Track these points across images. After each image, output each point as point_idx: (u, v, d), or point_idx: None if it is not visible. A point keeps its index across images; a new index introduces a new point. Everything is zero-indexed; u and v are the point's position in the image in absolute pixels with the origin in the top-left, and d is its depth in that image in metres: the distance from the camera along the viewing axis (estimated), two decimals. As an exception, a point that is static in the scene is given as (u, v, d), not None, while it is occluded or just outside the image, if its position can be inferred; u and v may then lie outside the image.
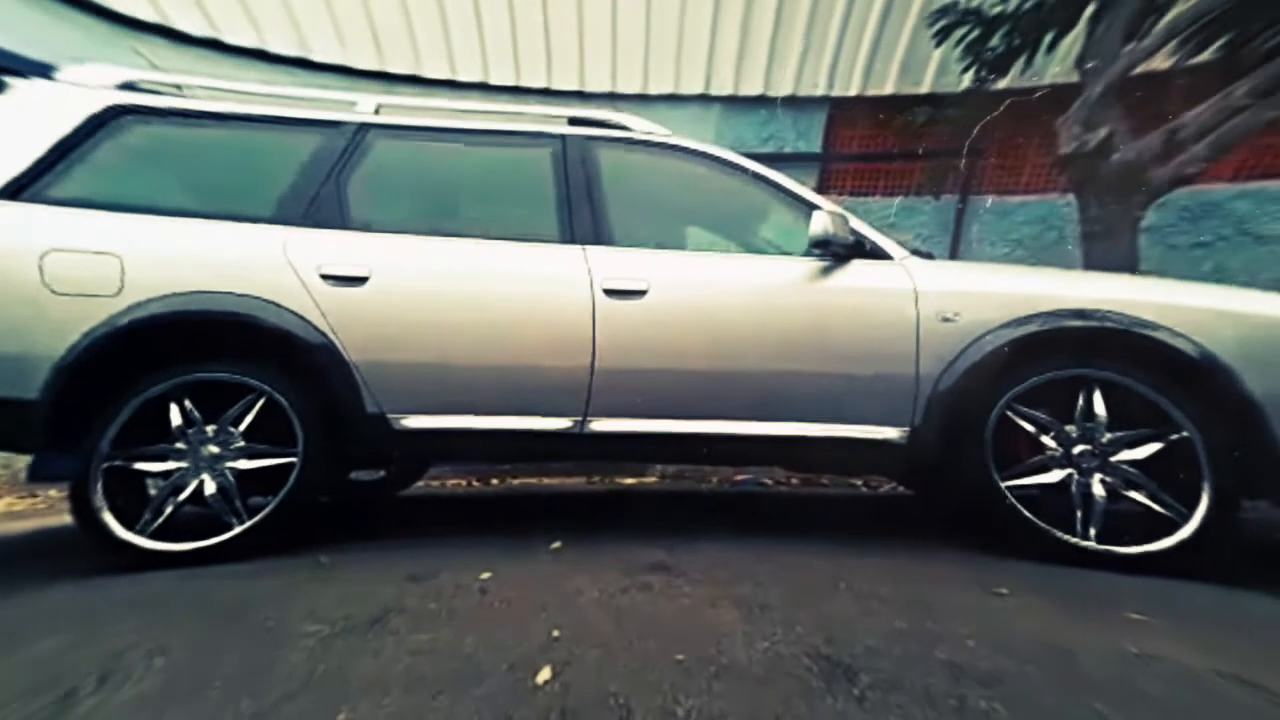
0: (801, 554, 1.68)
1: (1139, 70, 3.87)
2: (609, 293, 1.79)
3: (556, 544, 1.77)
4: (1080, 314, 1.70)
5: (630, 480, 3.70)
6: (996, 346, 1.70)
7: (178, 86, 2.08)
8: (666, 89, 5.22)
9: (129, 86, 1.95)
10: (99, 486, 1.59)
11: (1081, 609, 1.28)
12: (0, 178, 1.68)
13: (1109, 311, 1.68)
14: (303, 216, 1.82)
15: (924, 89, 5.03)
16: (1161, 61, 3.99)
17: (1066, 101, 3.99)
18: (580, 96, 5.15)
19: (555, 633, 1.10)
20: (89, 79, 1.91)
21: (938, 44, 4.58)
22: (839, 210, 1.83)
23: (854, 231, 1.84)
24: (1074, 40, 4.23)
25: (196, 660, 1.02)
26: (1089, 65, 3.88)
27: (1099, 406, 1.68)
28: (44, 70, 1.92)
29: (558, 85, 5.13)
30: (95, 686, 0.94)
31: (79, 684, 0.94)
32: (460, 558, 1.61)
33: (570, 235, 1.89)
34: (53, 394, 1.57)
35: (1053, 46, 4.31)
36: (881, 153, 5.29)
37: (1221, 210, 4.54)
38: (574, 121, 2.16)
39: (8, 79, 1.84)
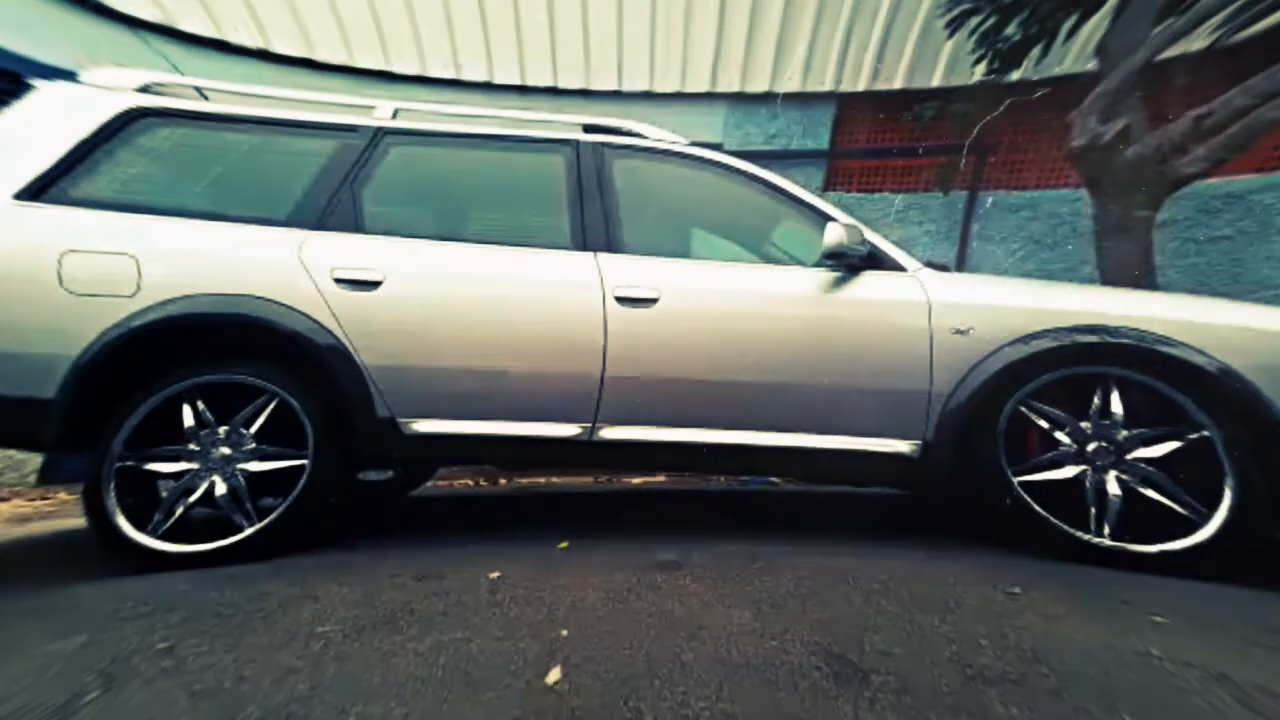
0: (811, 553, 1.67)
1: (1165, 56, 3.69)
2: (620, 300, 1.78)
3: (564, 544, 1.77)
4: (1095, 329, 1.68)
5: (637, 480, 3.69)
6: (1009, 362, 1.69)
7: (198, 89, 2.10)
8: (673, 87, 5.20)
9: (148, 89, 1.97)
10: (112, 487, 1.61)
11: (1096, 609, 1.26)
12: (23, 179, 1.70)
13: (1124, 328, 1.66)
14: (318, 220, 1.83)
15: (934, 83, 4.97)
16: (1196, 43, 3.77)
17: (1081, 93, 3.89)
18: (586, 95, 5.15)
19: (564, 632, 1.10)
20: (110, 82, 1.93)
21: (950, 34, 4.49)
22: (853, 222, 1.83)
23: (867, 243, 1.83)
24: (1096, 25, 4.08)
25: (205, 662, 1.03)
26: (1112, 52, 3.73)
27: (1115, 404, 1.65)
28: (69, 75, 1.95)
29: (563, 84, 5.13)
30: (101, 691, 0.93)
31: (85, 688, 0.94)
32: (468, 557, 1.62)
33: (582, 242, 1.88)
34: (69, 394, 1.59)
35: (1073, 33, 4.17)
36: (889, 148, 5.24)
37: (1243, 202, 4.42)
38: (589, 128, 2.16)
39: (34, 82, 1.87)
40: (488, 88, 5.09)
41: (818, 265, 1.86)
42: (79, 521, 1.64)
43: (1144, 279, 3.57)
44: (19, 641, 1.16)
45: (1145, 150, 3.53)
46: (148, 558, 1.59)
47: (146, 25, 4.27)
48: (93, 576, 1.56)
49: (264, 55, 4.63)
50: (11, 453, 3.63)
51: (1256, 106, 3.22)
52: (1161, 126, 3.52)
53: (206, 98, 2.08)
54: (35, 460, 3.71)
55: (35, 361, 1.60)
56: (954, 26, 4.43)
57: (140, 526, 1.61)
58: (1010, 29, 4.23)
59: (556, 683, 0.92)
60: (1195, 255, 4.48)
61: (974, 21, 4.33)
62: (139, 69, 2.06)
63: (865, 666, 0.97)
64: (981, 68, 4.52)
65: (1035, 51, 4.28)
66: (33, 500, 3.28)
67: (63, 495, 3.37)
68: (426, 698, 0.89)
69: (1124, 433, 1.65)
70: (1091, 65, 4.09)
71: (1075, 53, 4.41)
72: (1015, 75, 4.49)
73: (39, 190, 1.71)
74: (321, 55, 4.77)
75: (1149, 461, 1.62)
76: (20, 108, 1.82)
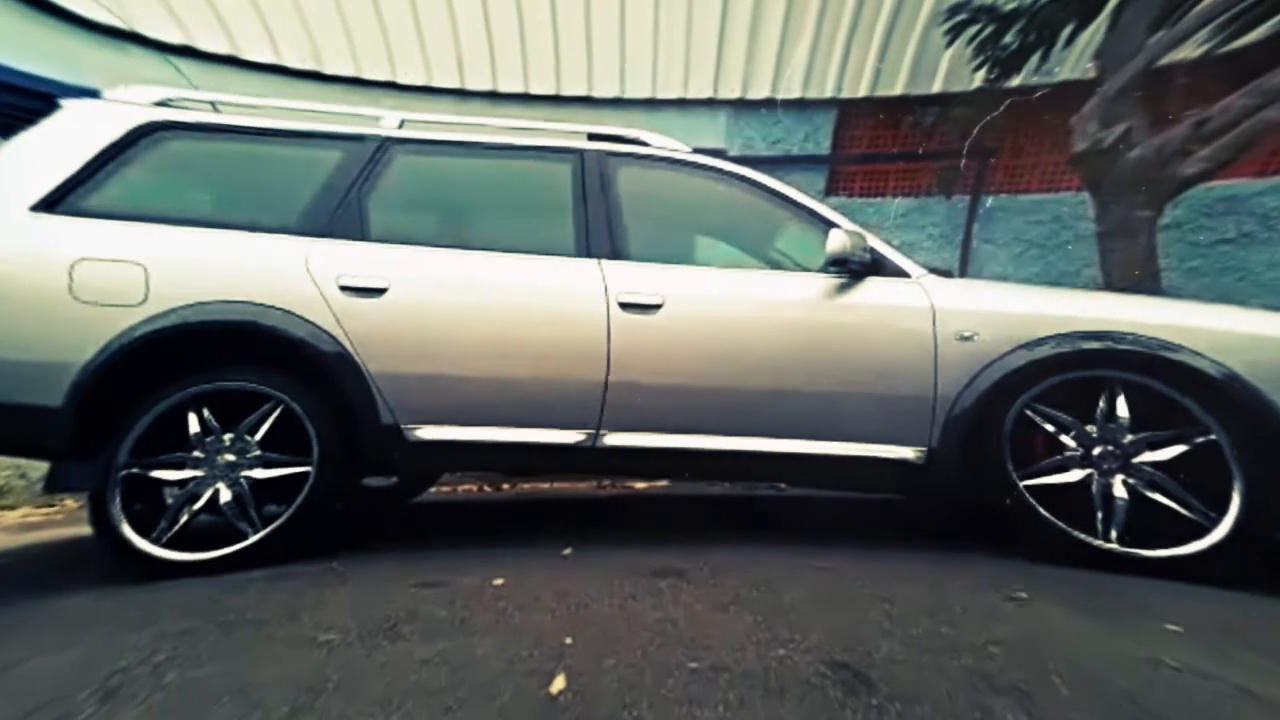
0: (814, 558, 1.65)
1: (1164, 61, 3.75)
2: (624, 306, 1.79)
3: (567, 550, 1.77)
4: (1099, 335, 1.67)
5: (640, 485, 3.68)
6: (1015, 368, 1.68)
7: (212, 104, 2.13)
8: (675, 93, 5.23)
9: (165, 104, 2.00)
10: (117, 495, 1.61)
11: (1106, 615, 1.24)
12: (39, 191, 1.73)
13: (1129, 333, 1.66)
14: (325, 228, 1.84)
15: (934, 89, 4.98)
16: (1192, 49, 3.86)
17: (1080, 98, 3.92)
18: (588, 103, 5.18)
19: (568, 640, 1.09)
20: (130, 98, 1.97)
21: (949, 43, 4.52)
22: (856, 228, 1.83)
23: (871, 249, 1.84)
24: (1094, 32, 4.12)
25: (208, 671, 1.02)
26: (1110, 57, 3.78)
27: (1121, 407, 1.64)
28: (95, 94, 2.02)
29: (566, 92, 5.16)
30: (98, 706, 0.91)
31: (81, 704, 0.91)
32: (472, 564, 1.61)
33: (586, 249, 1.89)
34: (76, 401, 1.60)
35: (1071, 40, 4.21)
36: (890, 154, 5.25)
37: (1246, 206, 4.40)
38: (593, 137, 2.18)
39: (62, 100, 1.92)
40: (492, 96, 5.13)
41: (821, 271, 1.87)
42: (84, 530, 1.64)
43: (1147, 282, 3.57)
44: (16, 652, 1.15)
45: (1147, 153, 3.54)
46: (152, 566, 1.59)
47: (171, 48, 4.37)
48: (95, 586, 1.56)
49: (277, 70, 4.69)
50: (18, 461, 3.65)
51: (1258, 109, 3.24)
52: (1163, 130, 3.53)
53: (220, 111, 2.11)
54: (42, 468, 3.72)
55: (44, 369, 1.61)
56: (952, 35, 4.45)
57: (145, 534, 1.61)
58: (1008, 37, 4.27)
59: (561, 692, 0.92)
60: (1199, 258, 4.47)
61: (972, 30, 4.36)
62: (160, 87, 2.09)
63: (872, 675, 0.96)
64: (981, 74, 4.54)
65: (1034, 58, 4.30)
66: (39, 509, 3.28)
67: (69, 503, 3.38)
68: (431, 705, 0.88)
69: (1130, 436, 1.64)
70: (1091, 70, 4.11)
71: (1075, 58, 4.42)
72: (1015, 81, 4.50)
73: (54, 201, 1.73)
74: (331, 68, 4.82)
75: (1155, 465, 1.61)
76: (44, 124, 1.85)
